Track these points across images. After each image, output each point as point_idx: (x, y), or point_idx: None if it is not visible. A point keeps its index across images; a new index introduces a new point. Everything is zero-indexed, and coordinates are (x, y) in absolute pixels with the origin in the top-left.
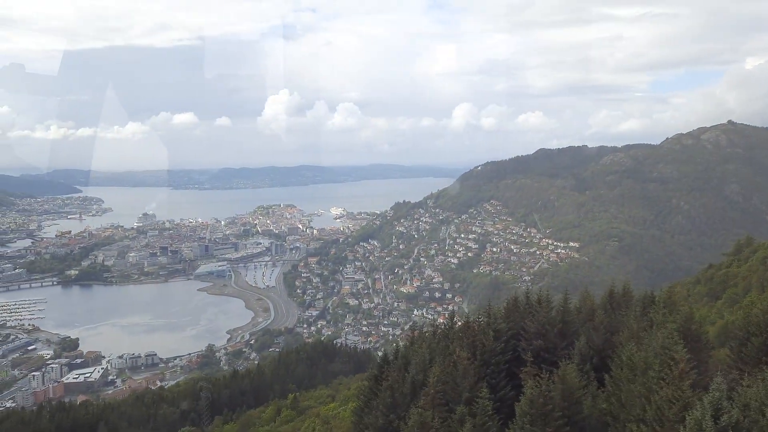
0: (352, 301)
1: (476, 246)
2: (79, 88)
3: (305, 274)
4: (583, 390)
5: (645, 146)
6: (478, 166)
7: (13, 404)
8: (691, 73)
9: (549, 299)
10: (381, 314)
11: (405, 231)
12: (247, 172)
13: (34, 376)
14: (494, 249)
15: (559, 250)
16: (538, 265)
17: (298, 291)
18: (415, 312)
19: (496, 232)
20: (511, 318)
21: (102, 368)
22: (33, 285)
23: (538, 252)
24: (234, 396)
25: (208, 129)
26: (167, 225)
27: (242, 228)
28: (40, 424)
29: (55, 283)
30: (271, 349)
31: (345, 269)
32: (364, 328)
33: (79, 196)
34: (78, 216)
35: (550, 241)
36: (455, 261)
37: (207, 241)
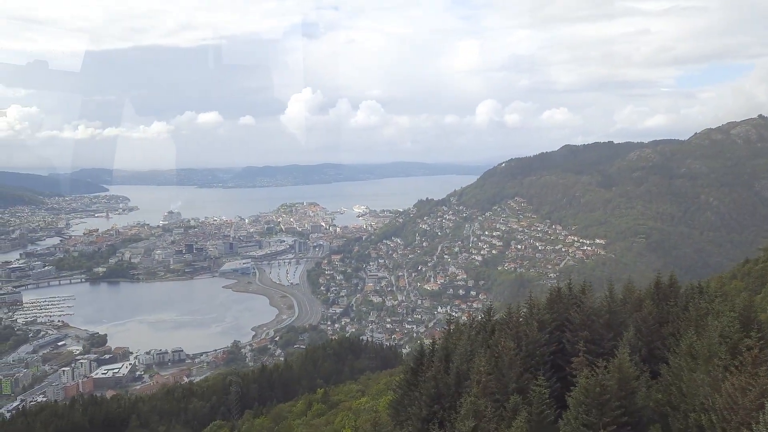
0: (376, 299)
1: (500, 243)
2: (105, 88)
3: (329, 272)
4: (637, 380)
5: (673, 142)
6: (501, 163)
7: (44, 399)
8: (720, 67)
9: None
10: (405, 311)
11: (428, 228)
12: (270, 170)
13: (64, 371)
14: (519, 246)
15: (585, 247)
16: (563, 262)
17: (322, 288)
18: (439, 309)
19: (520, 229)
20: (554, 309)
21: (130, 364)
22: (62, 282)
23: (563, 249)
24: (263, 390)
25: (232, 128)
26: (192, 223)
27: (266, 226)
28: (74, 417)
29: (83, 280)
30: (295, 346)
31: (368, 267)
32: (388, 326)
33: (106, 195)
34: (105, 214)
35: (575, 238)
36: (479, 258)
37: (231, 238)
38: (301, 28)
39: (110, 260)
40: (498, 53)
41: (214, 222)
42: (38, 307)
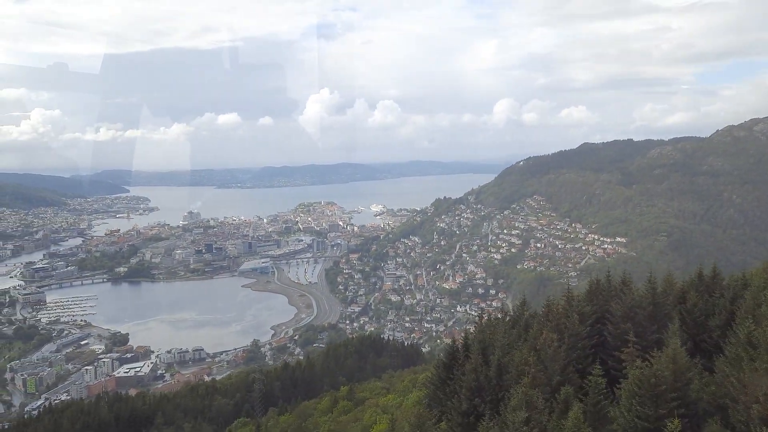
0: (394, 298)
1: (519, 242)
2: (126, 90)
3: (347, 271)
4: (691, 371)
5: (694, 139)
6: (519, 161)
7: (68, 397)
8: (741, 64)
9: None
10: (423, 310)
11: (446, 227)
12: (288, 170)
13: (87, 370)
14: (538, 245)
15: (606, 246)
16: (584, 261)
17: (340, 287)
18: (458, 308)
19: (539, 227)
20: (594, 301)
21: (151, 363)
22: (84, 282)
23: (583, 247)
24: (286, 388)
25: (250, 128)
26: (212, 223)
27: (284, 225)
28: (100, 414)
29: (105, 280)
30: (314, 345)
31: (386, 265)
32: (406, 324)
33: (127, 196)
34: (126, 215)
35: (596, 237)
36: (498, 257)
37: (250, 238)
38: (319, 29)
39: (131, 260)
40: (515, 51)
41: (233, 222)
42: (61, 307)
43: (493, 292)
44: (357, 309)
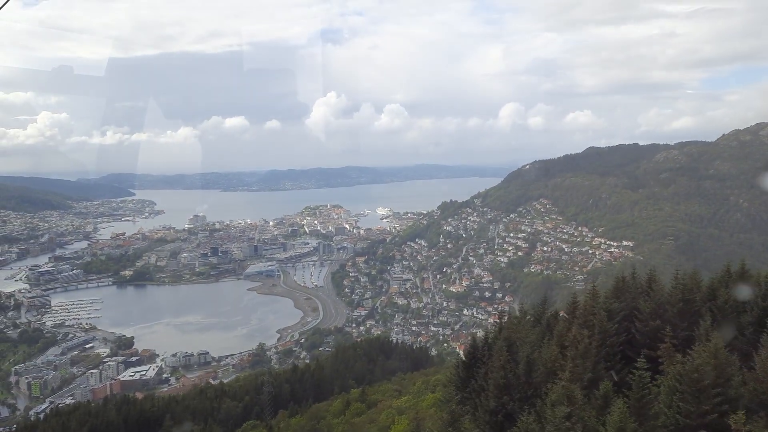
0: (401, 301)
1: (526, 245)
2: (133, 94)
3: (353, 274)
4: (731, 367)
5: (700, 143)
6: (525, 165)
7: (73, 401)
8: (747, 69)
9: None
10: (430, 314)
11: (452, 230)
12: (294, 173)
13: (91, 373)
14: (545, 248)
15: (613, 249)
16: (591, 264)
17: (347, 290)
18: (465, 311)
19: (546, 231)
20: (622, 298)
21: (157, 366)
22: (90, 285)
23: (590, 251)
24: (295, 390)
25: (257, 132)
26: (217, 226)
27: (290, 228)
28: (109, 416)
29: (110, 283)
30: (321, 349)
31: (393, 269)
32: (413, 328)
33: (133, 199)
34: (132, 218)
35: (602, 240)
36: (505, 260)
37: (256, 241)
38: (326, 33)
39: (137, 263)
40: (522, 57)
41: (239, 225)
42: (66, 310)
43: (499, 295)
44: (363, 312)
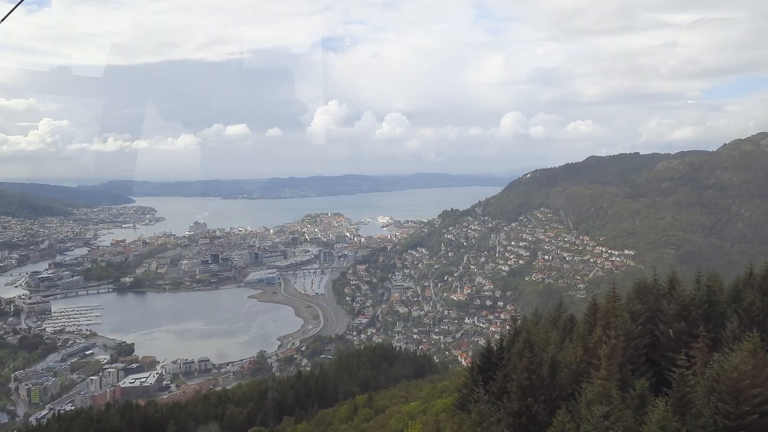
0: (402, 309)
1: (527, 253)
2: (135, 101)
3: (354, 282)
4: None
5: (701, 153)
6: (527, 174)
7: (73, 407)
8: (748, 80)
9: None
10: (432, 322)
11: (453, 239)
12: (295, 181)
13: (92, 380)
14: (546, 257)
15: (614, 258)
16: (592, 273)
17: (347, 298)
18: (467, 320)
19: (547, 239)
20: (644, 300)
21: (157, 373)
22: (90, 291)
23: (591, 260)
24: (299, 397)
25: (258, 140)
26: (218, 233)
27: (291, 236)
28: (112, 422)
29: (110, 289)
30: (322, 356)
31: (394, 277)
32: (414, 336)
33: (133, 206)
34: (132, 225)
35: (604, 249)
36: (506, 268)
37: (256, 249)
38: (327, 42)
39: (137, 270)
40: (523, 66)
41: (240, 232)
42: (66, 317)
43: (501, 304)
44: (364, 320)
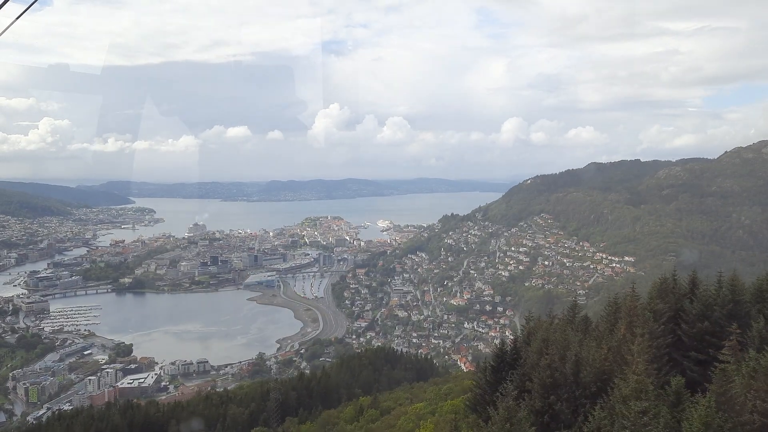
0: (402, 313)
1: (527, 259)
2: (136, 102)
3: (353, 285)
4: None
5: (702, 160)
6: (527, 180)
7: (70, 407)
8: (749, 88)
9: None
10: (431, 326)
11: (453, 243)
12: (295, 184)
13: (90, 380)
14: (546, 262)
15: (614, 265)
16: (592, 279)
17: (347, 302)
18: (466, 325)
19: (547, 245)
20: (666, 299)
21: (155, 374)
22: (88, 292)
23: (591, 266)
24: (302, 398)
25: (259, 142)
26: (217, 235)
27: (290, 239)
28: (113, 421)
29: (109, 290)
30: (321, 359)
31: (393, 281)
32: (414, 340)
33: (133, 207)
34: (131, 226)
35: (604, 255)
36: (506, 274)
37: (256, 251)
38: (329, 45)
39: (136, 271)
40: (525, 72)
41: (239, 234)
42: (65, 316)
43: (500, 309)
44: (363, 324)
